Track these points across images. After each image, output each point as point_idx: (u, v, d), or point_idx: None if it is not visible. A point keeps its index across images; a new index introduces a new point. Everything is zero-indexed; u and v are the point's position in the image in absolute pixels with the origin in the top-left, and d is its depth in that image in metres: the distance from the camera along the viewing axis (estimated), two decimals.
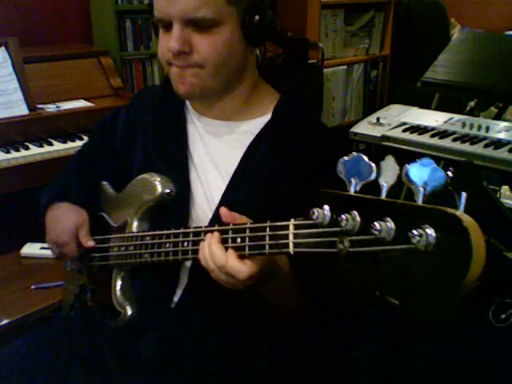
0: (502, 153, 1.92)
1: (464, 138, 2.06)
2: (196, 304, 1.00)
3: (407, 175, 0.59)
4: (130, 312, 1.03)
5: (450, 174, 0.57)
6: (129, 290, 1.06)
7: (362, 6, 3.46)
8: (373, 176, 0.64)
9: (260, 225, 0.79)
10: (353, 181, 0.66)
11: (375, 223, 0.58)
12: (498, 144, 1.98)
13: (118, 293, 1.05)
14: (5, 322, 1.48)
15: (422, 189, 0.57)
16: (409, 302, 0.58)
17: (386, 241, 0.58)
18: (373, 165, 0.64)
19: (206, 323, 1.00)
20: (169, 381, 0.99)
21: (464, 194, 0.55)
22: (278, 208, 0.89)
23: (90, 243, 1.09)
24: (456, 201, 0.55)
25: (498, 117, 2.61)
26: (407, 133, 2.17)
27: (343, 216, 0.62)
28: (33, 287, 1.63)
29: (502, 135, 2.06)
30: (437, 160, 2.19)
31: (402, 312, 0.60)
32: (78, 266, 1.20)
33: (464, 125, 2.16)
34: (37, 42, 2.46)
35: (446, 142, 2.05)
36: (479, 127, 2.12)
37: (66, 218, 1.10)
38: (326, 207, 0.67)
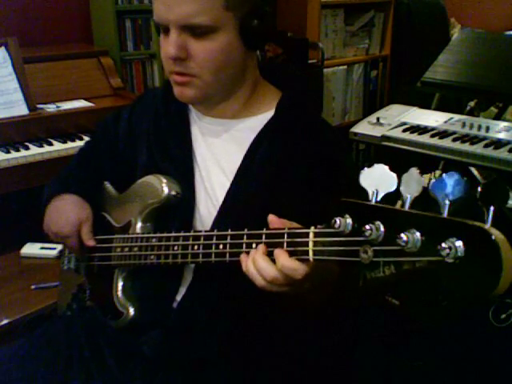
0: (502, 153, 1.92)
1: (464, 138, 2.05)
2: (199, 303, 1.00)
3: (432, 188, 0.59)
4: (132, 313, 1.03)
5: (479, 188, 0.57)
6: (131, 290, 1.06)
7: (362, 5, 3.46)
8: (394, 187, 0.64)
9: (278, 231, 0.79)
10: (374, 191, 0.67)
11: (401, 234, 0.58)
12: (497, 144, 1.98)
13: (120, 293, 1.05)
14: (5, 322, 1.48)
15: (447, 201, 0.58)
16: (413, 303, 0.58)
17: (412, 252, 0.58)
18: (395, 176, 0.65)
19: (208, 322, 1.00)
20: (170, 379, 0.99)
21: (492, 208, 0.55)
22: (281, 204, 0.89)
23: (92, 242, 1.09)
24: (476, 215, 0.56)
25: (498, 117, 2.61)
26: (407, 133, 2.17)
27: (368, 226, 0.63)
28: (32, 287, 1.63)
29: (502, 135, 2.06)
30: (437, 160, 2.20)
31: (402, 312, 0.60)
32: (76, 264, 1.20)
33: (464, 125, 2.15)
34: (37, 42, 2.45)
35: (446, 142, 2.05)
36: (479, 127, 2.12)
37: (70, 211, 1.10)
38: (348, 216, 0.67)
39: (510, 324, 1.96)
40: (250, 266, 0.79)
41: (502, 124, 2.18)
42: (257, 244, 0.80)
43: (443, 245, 0.54)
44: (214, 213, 0.99)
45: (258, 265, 0.77)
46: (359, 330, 1.05)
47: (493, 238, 0.52)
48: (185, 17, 0.88)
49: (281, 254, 0.76)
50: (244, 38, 0.92)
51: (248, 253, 0.80)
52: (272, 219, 0.82)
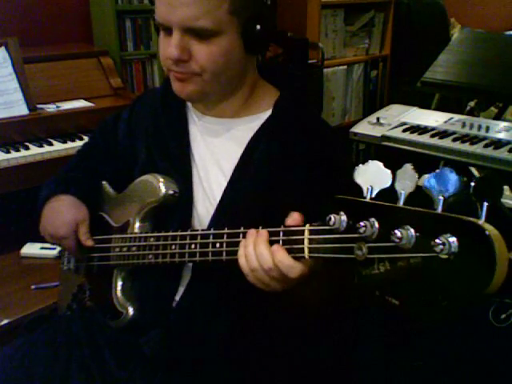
0: (502, 153, 1.92)
1: (464, 138, 2.05)
2: (198, 302, 1.00)
3: (426, 183, 0.59)
4: (131, 313, 1.03)
5: (472, 183, 0.57)
6: (130, 289, 1.06)
7: (362, 5, 3.46)
8: (389, 183, 0.64)
9: (273, 229, 0.79)
10: (368, 187, 0.66)
11: (396, 231, 0.58)
12: (498, 144, 1.98)
13: (120, 293, 1.05)
14: (5, 322, 1.48)
15: (441, 197, 0.58)
16: (413, 303, 0.58)
17: (407, 248, 0.58)
18: (389, 172, 0.65)
19: (207, 322, 1.00)
20: (170, 379, 0.99)
21: (486, 204, 0.55)
22: (279, 203, 0.89)
23: (90, 242, 1.09)
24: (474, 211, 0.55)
25: (498, 117, 2.61)
26: (407, 133, 2.17)
27: (362, 223, 0.63)
28: (32, 287, 1.63)
29: (502, 135, 2.06)
30: (437, 160, 2.20)
31: (402, 312, 0.60)
32: (76, 265, 1.19)
33: (464, 125, 2.15)
34: (37, 42, 2.45)
35: (446, 142, 2.05)
36: (479, 127, 2.12)
37: (67, 212, 1.09)
38: (343, 213, 0.67)
39: (510, 324, 1.96)
40: (249, 248, 0.78)
41: (502, 124, 2.18)
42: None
43: (437, 241, 0.54)
44: (212, 212, 0.99)
45: (259, 250, 0.77)
46: (359, 330, 1.04)
47: (487, 233, 0.52)
48: (188, 19, 0.87)
49: (279, 250, 0.76)
50: (246, 42, 0.93)
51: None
52: (296, 217, 0.78)
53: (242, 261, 0.80)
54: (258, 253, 0.77)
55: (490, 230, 0.52)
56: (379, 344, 1.83)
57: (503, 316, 1.98)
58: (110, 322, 1.05)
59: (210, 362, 0.99)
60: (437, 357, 1.87)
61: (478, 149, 1.97)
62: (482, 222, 0.54)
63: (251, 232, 0.81)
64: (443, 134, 2.11)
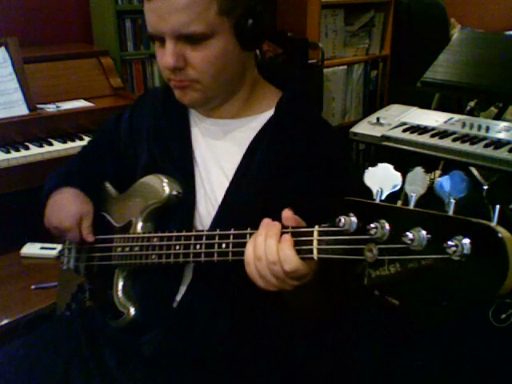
0: (502, 153, 1.92)
1: (464, 138, 2.05)
2: (199, 302, 1.00)
3: (437, 186, 0.59)
4: (133, 313, 1.02)
5: (485, 187, 0.57)
6: (131, 289, 1.06)
7: (362, 5, 3.46)
8: (399, 186, 0.65)
9: (282, 230, 0.78)
10: (378, 190, 0.67)
11: (407, 233, 0.58)
12: (498, 144, 1.98)
13: (121, 293, 1.05)
14: (5, 322, 1.48)
15: (453, 200, 0.58)
16: (414, 303, 0.58)
17: (418, 250, 0.58)
18: (399, 174, 0.65)
19: (208, 322, 1.00)
20: (170, 379, 0.99)
21: (498, 207, 0.55)
22: (281, 204, 0.89)
23: (90, 238, 1.09)
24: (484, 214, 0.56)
25: (498, 117, 2.61)
26: (407, 133, 2.16)
27: (372, 224, 0.63)
28: (33, 287, 1.63)
29: (502, 135, 2.06)
30: (437, 160, 2.20)
31: (402, 312, 0.60)
32: (76, 264, 1.19)
33: (464, 125, 2.15)
34: (37, 42, 2.46)
35: (446, 142, 2.04)
36: (479, 127, 2.12)
37: (71, 204, 1.08)
38: (353, 215, 0.67)
39: (510, 324, 1.96)
40: (260, 238, 0.77)
41: (502, 124, 2.18)
42: None
43: (449, 243, 0.54)
44: (213, 213, 0.99)
45: (268, 241, 0.76)
46: (359, 330, 1.05)
47: (499, 235, 0.52)
48: (179, 26, 0.87)
49: (286, 241, 0.76)
50: (240, 39, 0.92)
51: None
52: (287, 215, 0.79)
53: (249, 248, 0.79)
54: (266, 243, 0.76)
55: (502, 232, 0.53)
56: (379, 344, 1.82)
57: (503, 316, 1.98)
58: (110, 322, 1.04)
59: (210, 362, 0.99)
60: (437, 357, 1.87)
61: (478, 149, 1.97)
62: (494, 224, 0.54)
63: (265, 223, 0.79)
64: (443, 134, 2.11)
